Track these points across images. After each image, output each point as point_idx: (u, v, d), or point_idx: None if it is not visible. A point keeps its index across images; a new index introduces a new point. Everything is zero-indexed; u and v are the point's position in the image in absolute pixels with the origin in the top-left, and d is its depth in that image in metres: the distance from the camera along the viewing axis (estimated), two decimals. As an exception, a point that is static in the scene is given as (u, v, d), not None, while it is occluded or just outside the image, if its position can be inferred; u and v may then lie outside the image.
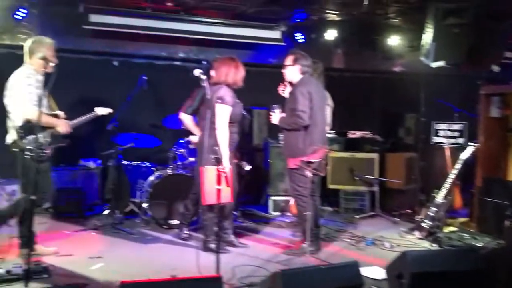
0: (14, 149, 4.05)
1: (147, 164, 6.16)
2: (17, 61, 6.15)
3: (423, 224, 5.20)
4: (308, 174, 4.29)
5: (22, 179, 4.09)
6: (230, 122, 4.57)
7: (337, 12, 6.38)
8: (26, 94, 4.00)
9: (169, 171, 5.60)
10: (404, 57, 7.54)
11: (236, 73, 4.62)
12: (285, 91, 4.81)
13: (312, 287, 3.00)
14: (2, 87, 6.09)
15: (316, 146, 4.46)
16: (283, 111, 4.72)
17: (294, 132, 4.56)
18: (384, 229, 5.62)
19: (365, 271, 3.82)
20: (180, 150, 5.73)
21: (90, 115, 4.62)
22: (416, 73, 6.99)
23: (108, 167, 5.92)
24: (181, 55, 6.98)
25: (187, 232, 5.07)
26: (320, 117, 4.55)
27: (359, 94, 8.05)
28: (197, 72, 3.91)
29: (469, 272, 3.46)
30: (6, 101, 4.14)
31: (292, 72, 4.63)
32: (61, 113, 4.41)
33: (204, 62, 6.08)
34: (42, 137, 4.10)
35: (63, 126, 4.28)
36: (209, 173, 4.17)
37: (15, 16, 5.91)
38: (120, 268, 4.08)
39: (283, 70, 4.72)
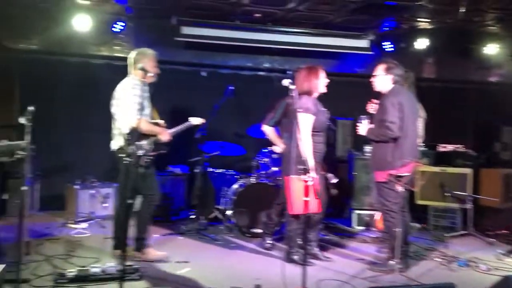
0: (119, 155, 4.27)
1: (232, 172, 6.26)
2: (113, 71, 6.60)
3: (524, 247, 4.80)
4: (399, 188, 4.11)
5: (124, 183, 4.27)
6: (315, 131, 4.51)
7: (429, 20, 6.10)
8: (132, 104, 4.22)
9: (252, 180, 5.64)
10: (503, 66, 7.05)
11: (311, 81, 4.56)
12: (373, 108, 4.67)
13: (405, 308, 2.85)
14: (100, 94, 6.56)
15: (406, 159, 4.27)
16: (371, 122, 4.58)
17: (382, 144, 4.40)
18: (478, 249, 5.25)
19: (459, 293, 3.57)
20: (264, 160, 5.76)
21: (186, 124, 4.82)
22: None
23: (194, 174, 6.09)
24: (266, 65, 7.06)
25: (270, 242, 5.07)
26: (411, 128, 4.34)
27: (450, 106, 7.65)
28: (286, 82, 3.87)
29: None
30: (114, 109, 4.39)
31: (384, 81, 4.47)
32: (161, 122, 4.63)
33: (289, 72, 6.08)
34: (147, 144, 4.32)
35: (164, 134, 4.48)
36: (296, 183, 4.16)
37: (112, 29, 6.29)
38: (205, 273, 4.14)
39: (372, 80, 4.58)
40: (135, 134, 4.11)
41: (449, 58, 7.40)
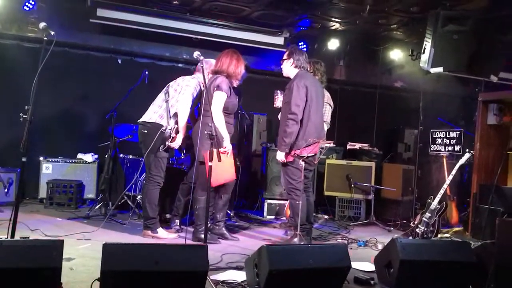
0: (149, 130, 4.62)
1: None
2: (22, 52, 6.31)
3: (417, 230, 5.14)
4: (301, 163, 4.30)
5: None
6: (227, 112, 4.60)
7: (339, 20, 6.46)
8: (190, 98, 4.66)
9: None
10: (406, 71, 7.59)
11: (236, 66, 4.67)
12: (276, 102, 4.91)
13: (298, 263, 2.96)
14: (7, 75, 6.25)
15: (310, 140, 4.45)
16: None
17: (288, 125, 4.57)
18: (378, 235, 5.55)
19: (355, 264, 3.76)
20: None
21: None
22: (417, 90, 7.03)
23: (104, 159, 5.93)
24: (185, 56, 7.06)
25: (178, 225, 5.06)
26: (314, 110, 4.54)
27: (360, 108, 8.09)
28: (196, 54, 3.96)
29: (459, 263, 3.42)
30: (174, 95, 4.70)
31: (287, 66, 4.68)
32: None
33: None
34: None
35: (180, 139, 4.68)
36: (211, 156, 4.20)
37: (24, 7, 6.04)
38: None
39: (281, 66, 4.79)
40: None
41: (358, 62, 7.87)
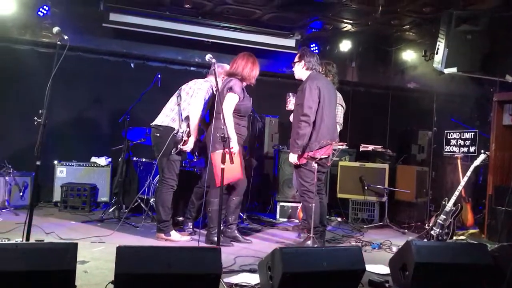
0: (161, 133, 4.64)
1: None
2: (37, 57, 6.39)
3: (432, 232, 5.09)
4: (314, 164, 4.28)
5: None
6: (240, 115, 4.59)
7: (351, 22, 6.43)
8: (202, 102, 4.67)
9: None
10: (419, 72, 7.52)
11: (252, 69, 4.66)
12: (288, 105, 4.88)
13: (312, 266, 2.94)
14: (21, 79, 6.33)
15: (322, 142, 4.43)
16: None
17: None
18: (392, 237, 5.49)
19: (369, 267, 3.73)
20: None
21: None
22: (431, 90, 6.96)
23: (118, 163, 5.96)
24: (197, 60, 7.08)
25: (191, 228, 5.06)
26: (327, 112, 4.52)
27: (372, 109, 8.03)
28: (208, 56, 3.96)
29: (475, 266, 3.37)
30: (186, 98, 4.71)
31: (299, 68, 4.67)
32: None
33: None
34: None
35: (191, 142, 4.69)
36: (217, 156, 4.20)
37: (38, 13, 6.11)
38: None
39: (293, 69, 4.77)
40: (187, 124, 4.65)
41: (370, 63, 7.82)
